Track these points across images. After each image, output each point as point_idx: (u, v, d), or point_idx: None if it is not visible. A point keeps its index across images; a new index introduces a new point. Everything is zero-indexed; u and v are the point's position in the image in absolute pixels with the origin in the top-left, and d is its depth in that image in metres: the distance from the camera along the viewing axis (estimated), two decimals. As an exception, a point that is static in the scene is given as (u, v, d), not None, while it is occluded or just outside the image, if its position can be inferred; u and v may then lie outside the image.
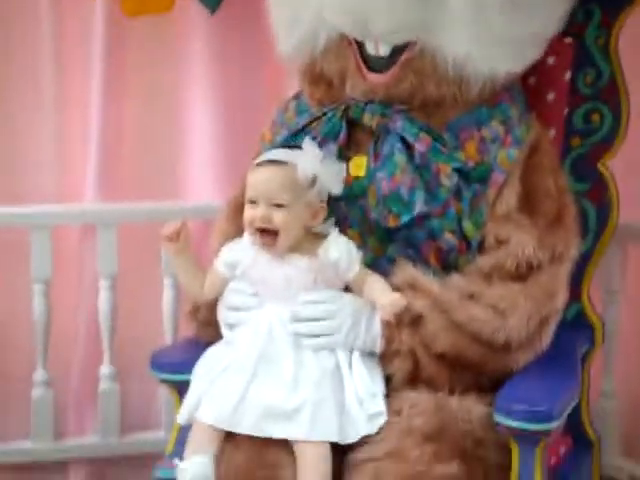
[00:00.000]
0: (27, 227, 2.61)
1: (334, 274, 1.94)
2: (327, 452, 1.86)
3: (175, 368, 2.10)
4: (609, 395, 2.52)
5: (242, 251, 1.98)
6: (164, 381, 2.14)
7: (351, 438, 1.88)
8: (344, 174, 1.96)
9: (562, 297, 2.03)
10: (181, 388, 2.06)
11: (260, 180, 1.94)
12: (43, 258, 2.60)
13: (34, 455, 2.70)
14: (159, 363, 2.12)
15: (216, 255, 2.02)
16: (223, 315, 2.00)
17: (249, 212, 1.94)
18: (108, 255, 2.63)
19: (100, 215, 2.66)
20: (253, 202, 1.93)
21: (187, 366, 2.02)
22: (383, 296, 1.91)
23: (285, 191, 1.91)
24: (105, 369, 2.68)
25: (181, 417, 1.95)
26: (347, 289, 1.97)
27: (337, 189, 1.95)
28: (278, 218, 1.91)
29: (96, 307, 2.65)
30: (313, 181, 1.93)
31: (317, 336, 1.92)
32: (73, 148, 2.70)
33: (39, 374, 2.65)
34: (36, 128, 2.67)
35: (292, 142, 2.01)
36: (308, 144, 1.95)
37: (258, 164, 1.97)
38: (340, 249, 1.94)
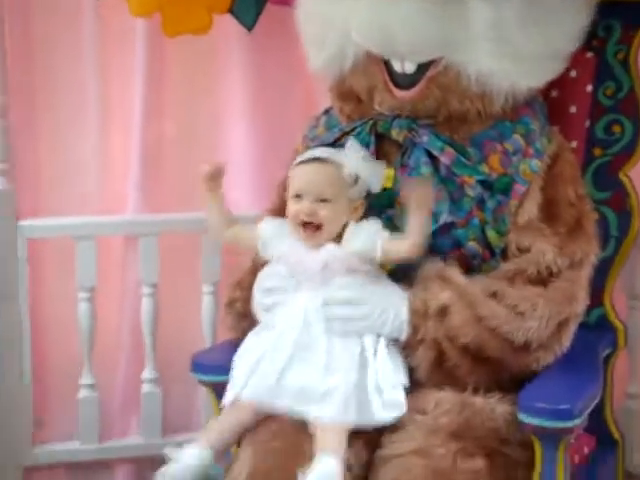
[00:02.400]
0: (72, 238, 2.67)
1: (362, 261, 1.99)
2: (344, 438, 1.91)
3: (213, 370, 2.14)
4: (634, 396, 2.55)
5: (284, 234, 2.03)
6: (203, 382, 2.18)
7: (367, 422, 1.92)
8: (383, 173, 2.02)
9: (582, 301, 2.07)
10: (219, 389, 2.11)
11: (306, 176, 2.01)
12: (88, 267, 2.67)
13: (80, 455, 2.77)
14: (198, 365, 2.17)
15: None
16: (259, 298, 2.06)
17: (294, 207, 2.00)
18: (150, 264, 2.69)
19: (142, 226, 2.72)
20: (298, 196, 2.00)
21: (225, 368, 2.07)
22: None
23: (330, 187, 1.98)
24: (147, 373, 2.74)
25: (226, 399, 2.01)
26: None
27: (377, 187, 2.02)
28: (323, 212, 1.98)
29: (139, 314, 2.72)
30: (356, 179, 1.99)
31: (348, 320, 1.97)
32: (116, 162, 2.76)
33: (85, 378, 2.72)
34: (80, 143, 2.73)
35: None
36: (352, 144, 2.02)
37: (303, 161, 2.03)
38: (360, 231, 1.99)
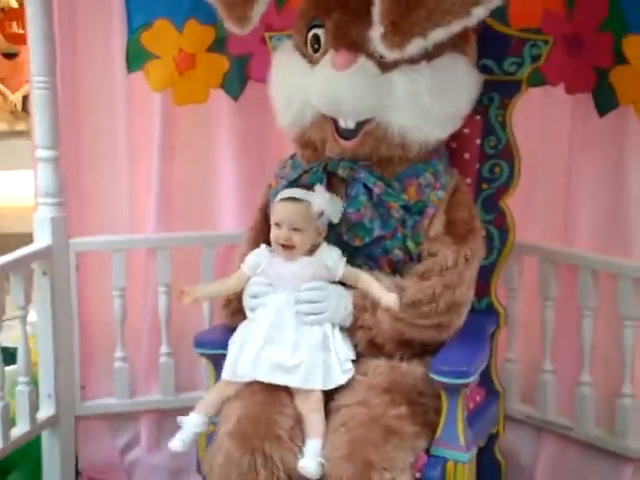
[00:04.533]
0: (109, 251, 2.58)
1: (326, 271, 1.94)
2: (320, 395, 1.87)
3: (210, 345, 2.09)
4: (511, 360, 2.49)
5: (262, 256, 1.98)
6: (202, 354, 2.13)
7: (331, 386, 1.88)
8: (342, 209, 1.96)
9: (467, 289, 2.01)
10: (215, 359, 2.07)
11: (284, 210, 1.95)
12: (120, 272, 2.57)
13: (116, 408, 2.67)
14: (199, 342, 2.11)
15: (240, 265, 2.02)
16: (247, 301, 1.99)
17: (275, 232, 1.95)
18: (164, 269, 2.59)
19: (159, 241, 2.62)
20: (278, 225, 1.94)
21: (217, 344, 2.03)
22: (386, 294, 1.90)
23: (302, 220, 1.93)
24: (164, 348, 2.64)
25: (225, 374, 1.95)
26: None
27: (336, 219, 1.96)
28: (296, 238, 1.92)
29: (157, 306, 2.62)
30: (321, 214, 1.93)
31: (313, 314, 1.91)
32: (140, 196, 2.64)
33: (118, 352, 2.63)
34: (113, 182, 2.62)
35: (305, 184, 2.00)
36: (319, 188, 1.96)
37: (283, 199, 1.96)
38: (329, 254, 1.95)
